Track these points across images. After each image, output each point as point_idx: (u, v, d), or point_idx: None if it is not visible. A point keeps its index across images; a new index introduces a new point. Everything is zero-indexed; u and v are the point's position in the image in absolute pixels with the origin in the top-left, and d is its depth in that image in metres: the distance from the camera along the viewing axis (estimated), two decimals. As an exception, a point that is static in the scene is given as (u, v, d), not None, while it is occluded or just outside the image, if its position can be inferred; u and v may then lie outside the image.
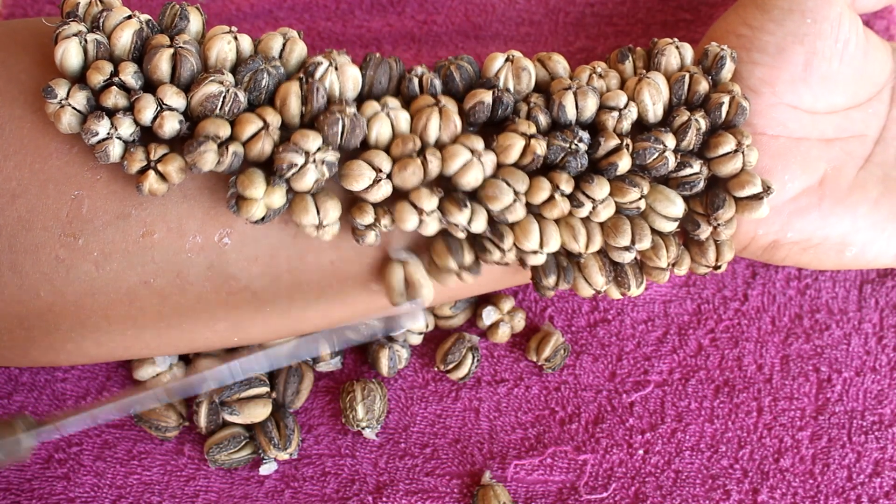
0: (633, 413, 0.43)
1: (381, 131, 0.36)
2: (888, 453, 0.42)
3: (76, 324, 0.36)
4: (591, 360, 0.44)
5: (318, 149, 0.34)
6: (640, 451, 0.42)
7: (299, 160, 0.34)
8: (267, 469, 0.42)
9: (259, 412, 0.41)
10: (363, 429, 0.42)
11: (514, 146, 0.36)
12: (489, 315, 0.44)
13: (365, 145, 0.36)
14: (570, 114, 0.37)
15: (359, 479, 0.42)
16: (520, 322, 0.45)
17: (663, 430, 0.43)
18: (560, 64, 0.39)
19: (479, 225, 0.36)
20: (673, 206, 0.37)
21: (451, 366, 0.43)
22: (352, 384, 0.43)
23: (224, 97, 0.34)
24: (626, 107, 0.37)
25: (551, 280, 0.38)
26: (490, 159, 0.36)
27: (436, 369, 0.44)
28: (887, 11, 0.50)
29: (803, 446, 0.43)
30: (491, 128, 0.37)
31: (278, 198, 0.34)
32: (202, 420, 0.41)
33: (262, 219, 0.35)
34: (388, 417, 0.43)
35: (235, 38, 0.36)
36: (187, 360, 0.44)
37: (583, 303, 0.46)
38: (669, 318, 0.45)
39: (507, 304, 0.45)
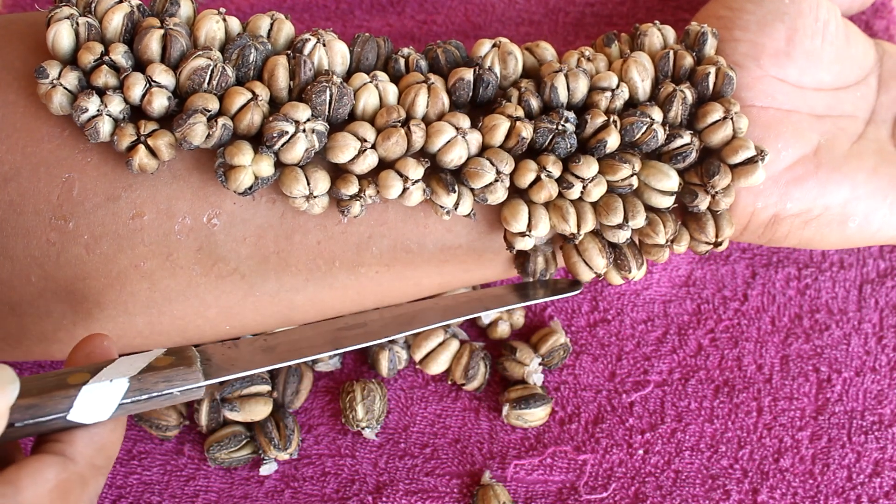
0: (633, 413, 0.43)
1: (368, 102, 0.36)
2: (888, 453, 0.42)
3: (68, 310, 0.36)
4: (591, 360, 0.44)
5: (308, 119, 0.35)
6: (640, 451, 0.42)
7: (290, 128, 0.34)
8: (267, 469, 0.42)
9: (260, 410, 0.41)
10: (363, 429, 0.42)
11: (500, 127, 0.36)
12: (487, 314, 0.44)
13: (353, 118, 0.36)
14: (562, 95, 0.37)
15: (359, 479, 0.42)
16: (519, 319, 0.45)
17: (663, 430, 0.43)
18: (547, 50, 0.39)
19: (465, 208, 0.36)
20: (668, 180, 0.37)
21: (472, 380, 0.43)
22: (351, 384, 0.43)
23: (212, 71, 0.35)
24: (618, 87, 0.37)
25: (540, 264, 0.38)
26: (475, 138, 0.36)
27: (449, 382, 0.43)
28: (887, 11, 0.50)
29: (803, 446, 0.42)
30: (479, 110, 0.37)
31: (266, 166, 0.35)
32: (203, 418, 0.41)
33: (251, 188, 0.35)
34: (388, 417, 0.43)
35: (224, 19, 0.36)
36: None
37: (582, 302, 0.45)
38: (669, 318, 0.45)
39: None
